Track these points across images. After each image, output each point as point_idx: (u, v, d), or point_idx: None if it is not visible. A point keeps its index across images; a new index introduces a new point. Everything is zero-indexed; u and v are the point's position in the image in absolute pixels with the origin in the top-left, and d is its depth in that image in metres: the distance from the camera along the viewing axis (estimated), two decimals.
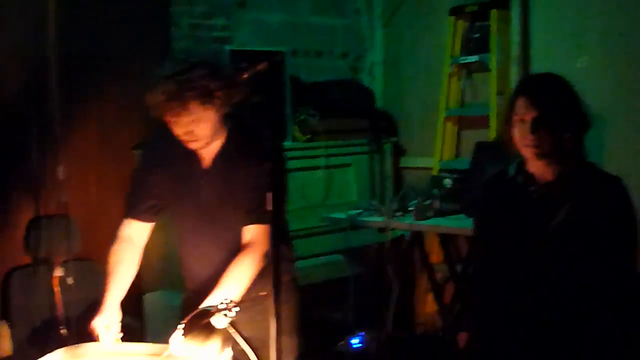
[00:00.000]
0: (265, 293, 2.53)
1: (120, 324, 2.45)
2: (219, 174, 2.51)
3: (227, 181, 2.51)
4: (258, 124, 2.57)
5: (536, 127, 2.27)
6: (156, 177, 2.58)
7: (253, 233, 2.48)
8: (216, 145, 2.51)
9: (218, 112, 2.39)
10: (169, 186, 2.57)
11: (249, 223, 2.49)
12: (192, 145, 2.45)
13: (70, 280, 3.16)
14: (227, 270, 2.41)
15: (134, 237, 2.61)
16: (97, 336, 2.39)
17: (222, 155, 2.51)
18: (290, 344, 2.24)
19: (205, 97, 2.32)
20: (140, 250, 2.63)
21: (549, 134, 2.28)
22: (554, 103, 2.29)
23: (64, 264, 3.24)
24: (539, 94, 2.30)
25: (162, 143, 2.59)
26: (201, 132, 2.39)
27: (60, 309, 3.12)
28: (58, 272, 3.14)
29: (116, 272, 2.53)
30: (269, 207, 2.05)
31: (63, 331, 3.04)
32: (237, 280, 2.39)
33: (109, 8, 4.09)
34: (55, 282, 3.13)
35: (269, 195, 1.95)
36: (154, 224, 2.65)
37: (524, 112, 2.30)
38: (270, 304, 2.41)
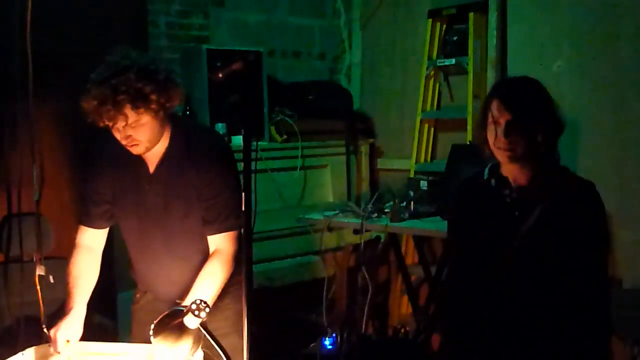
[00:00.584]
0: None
1: (78, 339, 2.43)
2: (164, 178, 2.49)
3: (173, 187, 2.49)
4: (203, 126, 2.55)
5: (509, 130, 2.28)
6: (103, 182, 2.56)
7: (218, 242, 2.49)
8: (160, 148, 2.48)
9: (156, 115, 2.35)
10: (116, 192, 2.55)
11: (212, 233, 2.49)
12: (134, 150, 2.42)
13: (51, 279, 3.13)
14: (197, 277, 2.41)
15: (91, 243, 2.60)
16: (56, 347, 2.36)
17: (166, 160, 2.49)
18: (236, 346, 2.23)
19: (139, 101, 2.28)
20: (99, 255, 2.63)
21: (522, 137, 2.28)
22: (528, 106, 2.30)
23: (41, 262, 3.21)
24: (513, 97, 2.31)
25: (108, 148, 2.56)
26: (140, 136, 2.36)
27: (41, 308, 3.10)
28: (39, 271, 3.11)
29: (78, 285, 2.52)
30: (242, 207, 2.04)
31: (45, 330, 3.02)
32: (208, 286, 2.39)
33: (86, 5, 4.05)
34: (36, 280, 3.10)
35: (242, 196, 1.94)
36: (108, 228, 2.64)
37: (498, 115, 2.31)
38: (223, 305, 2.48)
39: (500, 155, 2.34)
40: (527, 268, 2.34)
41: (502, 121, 2.29)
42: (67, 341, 2.38)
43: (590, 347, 2.36)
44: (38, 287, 3.10)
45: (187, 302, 2.28)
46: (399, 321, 4.62)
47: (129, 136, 2.34)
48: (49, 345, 2.43)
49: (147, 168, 2.50)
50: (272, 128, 4.53)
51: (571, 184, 2.38)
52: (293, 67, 5.13)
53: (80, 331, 2.44)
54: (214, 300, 2.37)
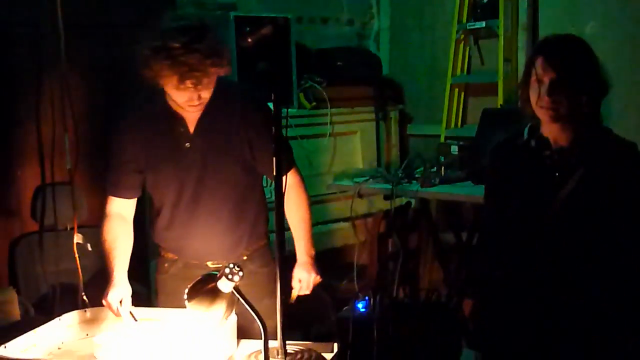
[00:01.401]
0: (245, 257, 2.57)
1: (130, 296, 2.47)
2: (206, 135, 2.50)
3: (215, 142, 2.50)
4: (241, 85, 2.57)
5: (553, 89, 2.23)
6: (135, 151, 2.54)
7: (290, 177, 2.59)
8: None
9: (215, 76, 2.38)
10: (150, 158, 2.54)
11: (284, 174, 2.45)
12: (195, 111, 2.43)
13: (89, 247, 3.17)
14: (290, 219, 2.61)
15: (123, 212, 2.61)
16: (115, 311, 2.42)
17: (206, 116, 2.49)
18: (270, 307, 2.27)
19: (220, 61, 2.30)
20: (131, 222, 2.64)
21: (566, 96, 2.24)
22: (573, 65, 2.24)
23: (72, 230, 3.25)
24: (558, 56, 2.25)
25: (136, 115, 2.56)
26: (207, 94, 2.38)
27: (80, 276, 3.15)
28: (77, 239, 3.15)
29: (116, 248, 2.54)
30: (275, 173, 2.05)
31: (84, 297, 3.08)
32: (307, 226, 2.62)
33: None
34: (74, 249, 3.14)
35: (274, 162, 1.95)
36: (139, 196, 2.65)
37: (542, 73, 2.26)
38: (255, 267, 2.58)
39: (543, 115, 2.30)
40: (568, 231, 2.31)
41: (547, 79, 2.25)
42: (120, 302, 2.42)
43: (629, 315, 2.33)
44: (76, 255, 3.14)
45: (296, 235, 2.60)
46: (430, 287, 4.62)
47: (198, 97, 2.35)
48: (85, 311, 2.47)
49: (187, 127, 2.51)
50: (301, 95, 4.52)
51: (613, 145, 2.33)
52: (321, 34, 5.10)
53: (129, 290, 2.47)
54: (311, 231, 2.62)
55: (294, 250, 2.67)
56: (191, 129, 2.51)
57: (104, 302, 2.44)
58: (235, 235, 2.60)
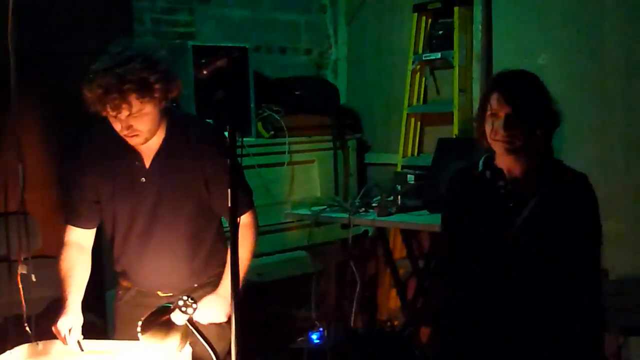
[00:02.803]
0: (197, 285, 2.57)
1: (81, 326, 2.46)
2: (161, 171, 2.51)
3: (171, 179, 2.51)
4: (197, 117, 2.58)
5: (509, 124, 2.30)
6: (93, 181, 2.56)
7: (246, 217, 2.57)
8: (157, 141, 2.49)
9: (158, 105, 2.38)
10: (106, 189, 2.55)
11: (242, 213, 2.52)
12: (133, 141, 2.42)
13: (33, 278, 3.12)
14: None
15: (81, 241, 2.61)
16: (63, 338, 2.40)
17: (163, 151, 2.50)
18: (219, 332, 2.27)
19: (144, 90, 2.30)
20: (89, 252, 2.64)
21: (520, 130, 2.30)
22: (528, 100, 2.32)
23: (25, 260, 3.20)
24: (513, 91, 2.33)
25: (96, 146, 2.58)
26: (141, 126, 2.37)
27: (24, 307, 3.09)
28: (22, 270, 3.11)
29: (70, 277, 2.54)
30: (229, 203, 2.05)
31: (27, 329, 3.02)
32: (244, 256, 2.49)
33: (70, 4, 4.04)
34: (19, 279, 3.09)
35: (229, 192, 1.95)
36: (96, 227, 2.64)
37: (497, 108, 2.33)
38: (204, 293, 2.52)
39: (498, 147, 2.36)
40: (522, 259, 2.36)
41: (502, 114, 2.32)
42: (70, 330, 2.40)
43: (584, 340, 2.38)
44: (20, 286, 3.09)
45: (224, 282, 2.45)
46: (387, 315, 4.64)
47: (130, 126, 2.35)
48: (37, 344, 2.43)
49: (142, 162, 2.51)
50: (259, 124, 4.53)
51: (565, 176, 2.41)
52: (279, 63, 5.13)
53: (80, 319, 2.46)
54: (246, 269, 2.52)
55: (255, 278, 2.67)
56: (147, 163, 2.51)
57: (53, 329, 2.42)
58: (187, 270, 2.59)
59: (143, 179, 2.50)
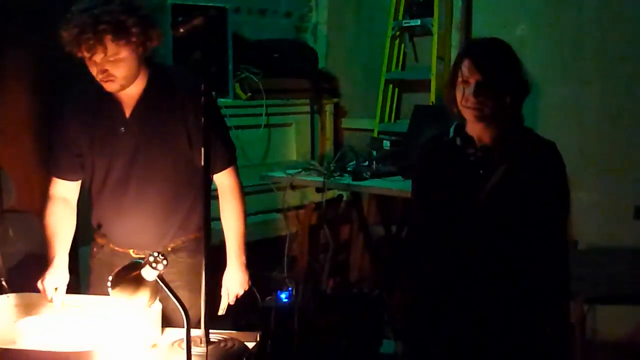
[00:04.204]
0: (170, 249, 2.59)
1: (66, 284, 2.48)
2: (141, 121, 2.50)
3: (151, 129, 2.50)
4: (182, 71, 2.60)
5: (479, 91, 2.32)
6: (74, 132, 2.55)
7: (223, 179, 2.60)
8: (136, 90, 2.48)
9: (135, 51, 2.36)
10: (88, 139, 2.54)
11: (217, 171, 2.57)
12: (108, 87, 2.41)
13: (10, 232, 3.12)
14: (224, 226, 2.61)
15: (66, 194, 2.61)
16: (48, 296, 2.42)
17: (143, 102, 2.49)
18: (190, 300, 2.30)
19: (121, 33, 2.29)
20: (74, 206, 2.64)
21: (490, 98, 2.32)
22: (498, 68, 2.33)
23: (6, 215, 3.20)
24: (484, 59, 2.34)
25: (77, 96, 2.57)
26: (117, 72, 2.36)
27: (0, 262, 3.10)
28: None
29: (57, 233, 2.55)
30: (202, 162, 2.06)
31: (3, 282, 3.04)
32: (237, 223, 2.60)
33: None
34: None
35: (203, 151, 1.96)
36: (81, 180, 2.65)
37: (468, 75, 2.34)
38: (177, 258, 2.57)
39: (468, 114, 2.38)
40: (490, 226, 2.40)
41: (472, 81, 2.33)
42: (55, 289, 2.43)
43: (550, 306, 2.43)
44: None
45: (229, 242, 2.58)
46: (359, 279, 4.69)
47: (105, 70, 2.34)
48: (7, 296, 2.45)
49: (122, 111, 2.50)
50: (237, 85, 4.52)
51: (534, 144, 2.43)
52: (259, 25, 5.10)
53: (66, 277, 2.49)
54: (245, 236, 2.61)
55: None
56: (127, 113, 2.50)
57: (39, 285, 2.44)
58: (163, 227, 2.58)
59: (122, 129, 2.49)
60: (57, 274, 2.47)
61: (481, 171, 2.40)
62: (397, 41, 4.83)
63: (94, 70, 2.36)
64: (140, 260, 2.01)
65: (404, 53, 4.88)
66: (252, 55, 4.71)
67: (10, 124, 3.50)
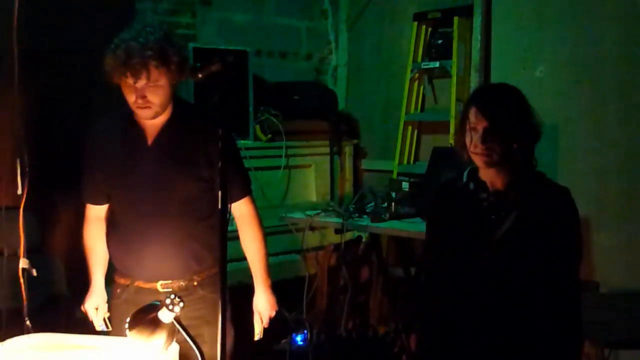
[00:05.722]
0: (196, 283, 2.61)
1: (105, 303, 2.70)
2: (162, 150, 2.58)
3: (170, 158, 2.57)
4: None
5: (486, 137, 2.32)
6: (100, 158, 2.65)
7: (241, 207, 2.70)
8: (161, 120, 2.57)
9: (171, 80, 2.47)
10: (111, 167, 2.63)
11: (235, 200, 2.65)
12: (144, 113, 2.50)
13: (34, 272, 3.16)
14: (247, 253, 2.71)
15: (100, 214, 2.74)
16: (91, 318, 2.64)
17: (165, 131, 2.58)
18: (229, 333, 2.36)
19: (164, 60, 2.41)
20: None
21: (498, 144, 2.33)
22: (504, 114, 2.33)
23: (28, 256, 3.24)
24: (490, 105, 2.35)
25: (103, 127, 2.69)
26: (154, 98, 2.46)
27: (24, 300, 3.14)
28: (23, 264, 3.14)
29: (94, 254, 2.72)
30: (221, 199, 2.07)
31: (28, 322, 3.07)
32: (258, 251, 2.72)
33: (73, 3, 4.07)
34: (20, 274, 3.14)
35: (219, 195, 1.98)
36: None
37: (475, 122, 2.35)
38: (205, 293, 2.62)
39: (478, 161, 2.39)
40: (502, 270, 2.39)
41: (480, 128, 2.34)
42: (96, 309, 2.64)
43: (562, 350, 2.40)
44: (22, 281, 3.13)
45: (253, 267, 2.70)
46: (378, 321, 4.66)
47: (145, 97, 2.44)
48: (29, 337, 2.47)
49: (145, 139, 2.58)
50: (257, 127, 4.57)
51: (547, 189, 2.43)
52: (279, 67, 5.16)
53: (104, 297, 2.70)
54: (268, 264, 2.73)
55: (247, 281, 2.73)
56: (150, 140, 2.56)
57: (82, 309, 2.65)
58: (185, 253, 2.62)
59: (144, 157, 2.57)
60: (96, 295, 2.68)
61: (493, 216, 2.40)
62: (416, 83, 4.86)
63: (132, 97, 2.47)
64: (157, 302, 2.03)
65: (423, 95, 4.91)
66: (272, 97, 4.77)
67: (36, 165, 3.54)
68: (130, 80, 2.42)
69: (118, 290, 2.73)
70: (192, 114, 2.65)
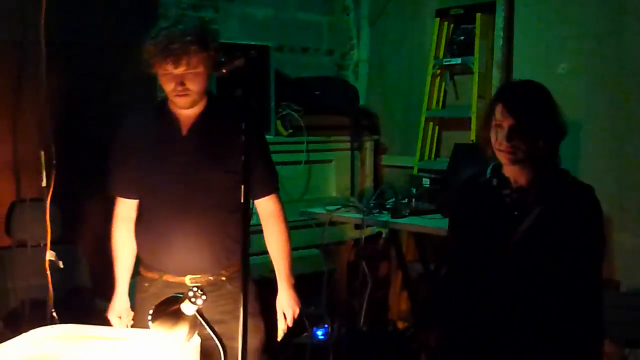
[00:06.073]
0: (224, 278, 2.61)
1: (127, 310, 2.70)
2: (196, 141, 2.58)
3: (204, 149, 2.58)
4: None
5: (512, 135, 2.32)
6: (132, 149, 2.65)
7: (267, 204, 2.70)
8: (195, 111, 2.59)
9: (208, 69, 2.50)
10: (144, 159, 2.63)
11: (261, 196, 2.67)
12: (181, 101, 2.52)
13: (61, 264, 3.20)
14: (270, 250, 2.71)
15: (129, 213, 2.72)
16: (115, 326, 2.63)
17: (199, 122, 2.59)
18: (254, 325, 2.36)
19: (203, 46, 2.45)
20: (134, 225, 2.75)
21: (523, 142, 2.32)
22: (531, 112, 2.33)
23: (46, 247, 3.28)
24: (517, 103, 2.34)
25: (138, 116, 2.71)
26: (192, 85, 2.48)
27: (50, 292, 3.18)
28: (49, 256, 3.18)
29: (122, 259, 2.71)
30: (244, 195, 2.09)
31: (54, 314, 3.11)
32: (282, 247, 2.71)
33: None
34: (46, 265, 3.17)
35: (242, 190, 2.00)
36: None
37: (501, 119, 2.34)
38: (233, 288, 2.61)
39: (502, 157, 2.39)
40: (524, 267, 2.39)
41: (505, 125, 2.33)
42: (119, 317, 2.65)
43: (582, 349, 2.40)
44: (48, 272, 3.16)
45: (276, 265, 2.69)
46: (398, 316, 4.68)
47: (183, 84, 2.47)
48: (53, 327, 2.50)
49: (180, 130, 2.60)
50: (278, 122, 4.59)
51: (570, 187, 2.42)
52: (301, 63, 5.18)
53: (127, 303, 2.71)
54: (291, 260, 2.71)
55: (267, 275, 2.73)
56: (184, 131, 2.58)
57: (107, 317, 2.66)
58: (214, 247, 2.62)
59: (177, 147, 2.58)
60: (119, 304, 2.68)
61: (516, 212, 2.40)
62: (437, 79, 4.86)
63: (170, 85, 2.48)
64: (180, 295, 2.05)
65: (445, 91, 4.91)
66: (293, 92, 4.78)
67: (59, 157, 3.58)
68: (170, 67, 2.44)
69: (145, 284, 2.72)
70: (226, 105, 2.66)
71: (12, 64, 3.76)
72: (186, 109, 2.57)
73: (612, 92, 4.03)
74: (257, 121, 2.72)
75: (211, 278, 2.62)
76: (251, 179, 2.45)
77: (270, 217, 2.72)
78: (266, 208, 2.71)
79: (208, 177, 2.58)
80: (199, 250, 2.60)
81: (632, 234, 3.89)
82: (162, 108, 2.62)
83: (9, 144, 3.77)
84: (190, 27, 2.47)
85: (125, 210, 2.72)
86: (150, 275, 2.70)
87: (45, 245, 3.32)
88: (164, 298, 2.34)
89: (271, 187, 2.71)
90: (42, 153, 3.55)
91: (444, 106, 4.92)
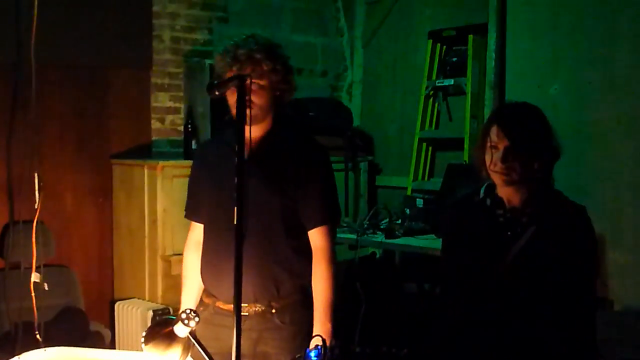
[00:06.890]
0: (274, 310, 2.55)
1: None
2: (259, 162, 2.51)
3: (267, 168, 2.52)
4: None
5: (507, 156, 2.32)
6: (200, 177, 2.66)
7: (316, 237, 2.56)
8: (259, 133, 2.52)
9: (272, 87, 2.49)
10: (210, 183, 2.61)
11: (312, 226, 2.56)
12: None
13: (45, 287, 3.18)
14: (313, 287, 2.54)
15: (198, 237, 2.68)
16: None
17: (264, 145, 2.53)
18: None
19: (271, 55, 2.47)
20: None
21: (519, 163, 2.33)
22: (526, 135, 2.33)
23: (38, 269, 3.26)
24: (512, 125, 2.34)
25: (209, 144, 2.79)
26: (256, 98, 2.43)
27: (35, 314, 3.16)
28: (34, 278, 3.16)
29: (188, 284, 2.67)
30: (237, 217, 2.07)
31: (38, 336, 3.09)
32: (327, 299, 2.54)
33: (92, 18, 4.14)
34: (32, 287, 3.15)
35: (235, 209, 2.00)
36: None
37: (496, 141, 2.35)
38: (281, 323, 2.55)
39: (496, 179, 2.39)
40: (517, 287, 2.39)
41: (501, 147, 2.34)
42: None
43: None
44: (33, 294, 3.15)
45: (315, 307, 2.52)
46: (391, 337, 4.66)
47: (250, 99, 2.41)
48: (45, 350, 2.49)
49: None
50: None
51: (563, 207, 2.43)
52: (295, 84, 5.18)
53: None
54: (333, 303, 2.55)
55: None
56: (246, 154, 2.54)
57: None
58: (264, 274, 2.52)
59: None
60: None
61: (509, 232, 2.41)
62: (430, 100, 4.89)
63: (233, 98, 2.32)
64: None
65: (438, 112, 4.94)
66: (288, 113, 4.78)
67: (52, 180, 3.59)
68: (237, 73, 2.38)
69: (201, 309, 2.63)
70: (292, 132, 2.60)
71: (6, 86, 3.78)
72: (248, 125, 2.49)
73: (604, 114, 4.04)
74: (325, 151, 2.66)
75: (260, 309, 2.53)
76: (306, 209, 2.52)
77: (317, 254, 2.57)
78: (315, 241, 2.57)
79: (265, 200, 2.50)
80: (249, 278, 2.41)
81: (624, 252, 3.90)
82: (231, 130, 2.50)
83: (2, 165, 3.78)
84: (261, 41, 2.49)
85: (196, 234, 2.69)
86: (207, 300, 2.64)
87: (38, 267, 3.32)
88: (214, 326, 2.43)
89: (320, 218, 2.56)
90: (36, 174, 3.56)
91: (437, 127, 4.95)
